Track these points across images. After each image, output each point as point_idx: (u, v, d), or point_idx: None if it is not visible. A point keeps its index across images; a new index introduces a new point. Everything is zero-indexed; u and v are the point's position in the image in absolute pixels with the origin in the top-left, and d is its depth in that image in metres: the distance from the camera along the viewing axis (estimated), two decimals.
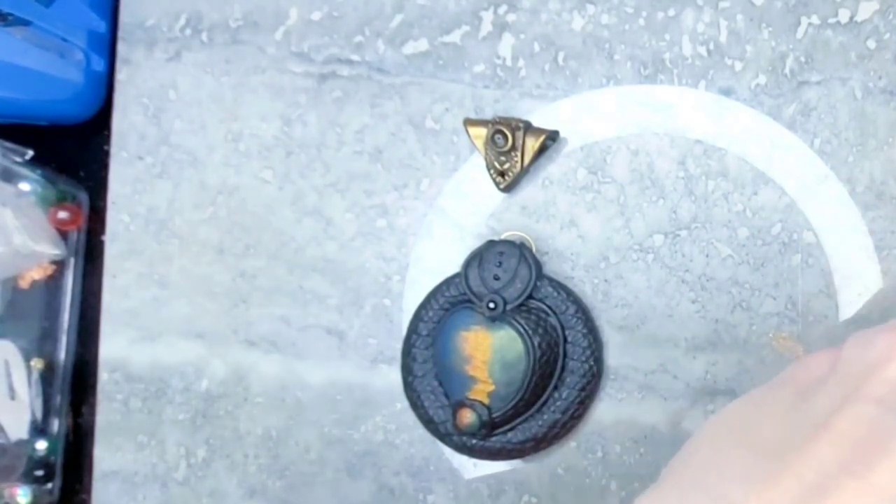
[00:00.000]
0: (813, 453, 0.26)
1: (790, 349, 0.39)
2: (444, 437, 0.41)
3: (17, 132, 0.46)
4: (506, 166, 0.41)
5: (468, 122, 0.42)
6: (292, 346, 0.44)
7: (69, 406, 0.48)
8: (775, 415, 0.29)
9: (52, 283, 0.47)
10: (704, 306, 0.40)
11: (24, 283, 0.46)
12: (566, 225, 0.42)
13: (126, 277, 0.46)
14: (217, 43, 0.46)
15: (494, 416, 0.39)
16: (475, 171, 0.43)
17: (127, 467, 0.46)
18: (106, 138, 0.47)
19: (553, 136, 0.41)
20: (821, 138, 0.39)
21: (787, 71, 0.40)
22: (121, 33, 0.46)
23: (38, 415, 0.46)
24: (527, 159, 0.41)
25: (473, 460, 0.42)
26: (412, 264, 0.43)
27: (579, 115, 0.42)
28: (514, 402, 0.39)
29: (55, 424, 0.47)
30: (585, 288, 0.41)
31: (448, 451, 0.42)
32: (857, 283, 0.39)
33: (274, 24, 0.45)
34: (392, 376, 0.43)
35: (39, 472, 0.46)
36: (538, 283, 0.40)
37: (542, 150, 0.41)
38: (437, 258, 0.43)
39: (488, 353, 0.39)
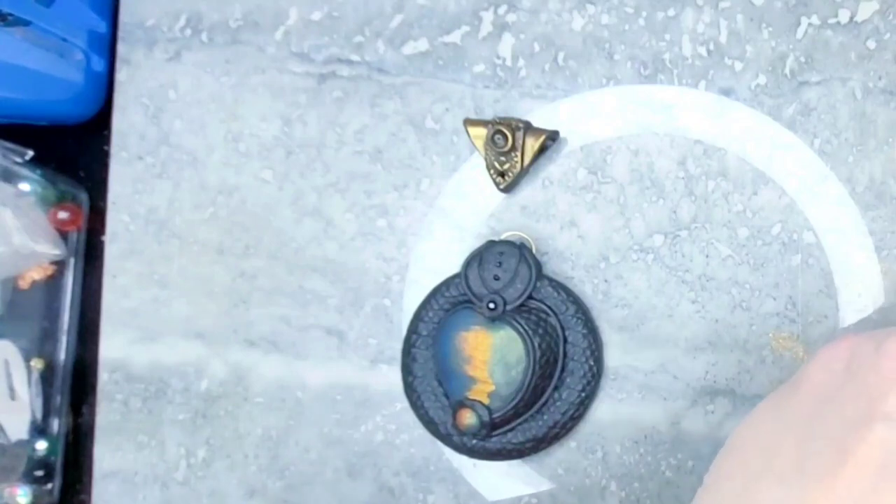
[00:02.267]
0: (833, 486, 0.27)
1: (790, 349, 0.39)
2: (444, 438, 0.41)
3: (17, 132, 0.46)
4: (506, 166, 0.41)
5: (468, 122, 0.42)
6: (292, 346, 0.44)
7: (69, 406, 0.48)
8: (796, 432, 0.30)
9: (52, 283, 0.47)
10: (704, 306, 0.40)
11: (24, 283, 0.46)
12: (566, 225, 0.42)
13: (126, 277, 0.46)
14: (217, 43, 0.46)
15: (494, 416, 0.39)
16: (475, 171, 0.43)
17: (127, 467, 0.46)
18: (106, 138, 0.47)
19: (553, 136, 0.41)
20: (821, 138, 0.39)
21: (787, 71, 0.40)
22: (121, 33, 0.46)
23: (38, 415, 0.46)
24: (527, 159, 0.41)
25: (473, 460, 0.42)
26: (412, 264, 0.43)
27: (579, 115, 0.42)
28: (514, 403, 0.39)
29: (55, 424, 0.47)
30: (585, 288, 0.41)
31: (448, 451, 0.42)
32: (857, 283, 0.39)
33: (274, 24, 0.45)
34: (392, 376, 0.43)
35: (39, 472, 0.46)
36: (538, 284, 0.40)
37: (542, 150, 0.41)
38: (437, 258, 0.43)
39: (488, 353, 0.39)
